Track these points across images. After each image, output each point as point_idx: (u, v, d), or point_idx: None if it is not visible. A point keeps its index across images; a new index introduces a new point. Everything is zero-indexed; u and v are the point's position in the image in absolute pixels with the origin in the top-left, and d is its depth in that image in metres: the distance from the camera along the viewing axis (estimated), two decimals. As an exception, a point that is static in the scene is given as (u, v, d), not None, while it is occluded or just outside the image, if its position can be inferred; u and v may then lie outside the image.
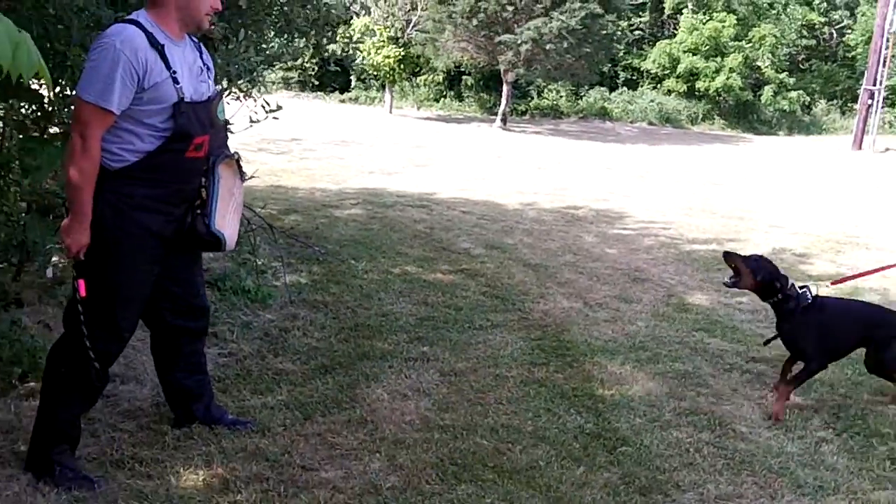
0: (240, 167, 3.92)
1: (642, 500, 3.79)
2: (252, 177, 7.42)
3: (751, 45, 34.03)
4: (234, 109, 6.71)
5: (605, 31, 26.56)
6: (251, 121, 6.71)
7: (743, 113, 34.49)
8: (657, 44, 35.21)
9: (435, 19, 25.40)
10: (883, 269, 5.75)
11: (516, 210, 11.51)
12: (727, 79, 32.71)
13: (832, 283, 5.68)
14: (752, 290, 5.18)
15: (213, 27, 4.25)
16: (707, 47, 33.78)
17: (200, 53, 3.78)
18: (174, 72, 3.49)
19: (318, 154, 16.21)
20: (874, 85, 28.80)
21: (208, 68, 3.80)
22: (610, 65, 34.11)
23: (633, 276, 8.04)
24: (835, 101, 35.90)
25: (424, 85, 32.86)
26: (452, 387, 4.95)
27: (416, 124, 25.53)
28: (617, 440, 4.37)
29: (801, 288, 5.10)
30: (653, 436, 4.46)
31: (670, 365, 5.61)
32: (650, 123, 32.30)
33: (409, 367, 5.18)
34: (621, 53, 34.92)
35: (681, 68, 33.67)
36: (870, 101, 28.71)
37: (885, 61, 28.87)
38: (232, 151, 3.89)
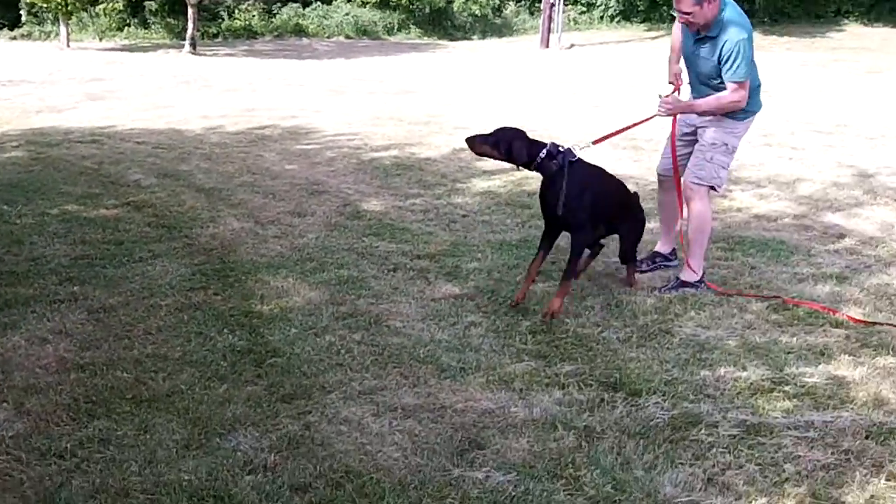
0: None
1: (285, 407, 3.79)
2: None
3: (438, -49, 34.55)
4: None
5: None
6: None
7: (438, 20, 35.04)
8: (347, -45, 34.98)
9: (105, -57, 23.87)
10: (635, 125, 5.79)
11: (197, 135, 11.13)
12: (418, -13, 33.12)
13: (595, 143, 5.40)
14: (505, 160, 4.98)
15: None
16: (396, -44, 34.01)
17: None
18: None
19: (-23, 97, 14.90)
20: (555, -16, 30.12)
21: None
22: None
23: (311, 190, 8.00)
24: (523, 2, 37.20)
25: (105, 14, 30.97)
26: (99, 324, 4.73)
27: (96, 57, 24.01)
28: (267, 353, 4.34)
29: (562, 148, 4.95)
30: (305, 343, 4.47)
31: (335, 272, 5.63)
32: (347, 37, 32.18)
33: (53, 310, 4.88)
34: (311, -33, 34.47)
35: (372, -21, 33.73)
36: (552, 1, 30.02)
37: (563, -40, 30.26)
38: None
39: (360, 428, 3.63)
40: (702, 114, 5.37)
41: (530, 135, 4.97)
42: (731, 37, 5.02)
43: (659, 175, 5.87)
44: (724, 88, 5.20)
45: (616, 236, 5.51)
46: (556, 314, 4.84)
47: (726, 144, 5.39)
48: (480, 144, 4.99)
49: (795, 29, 31.51)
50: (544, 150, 4.89)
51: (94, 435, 3.54)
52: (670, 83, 5.61)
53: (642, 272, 5.64)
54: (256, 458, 3.40)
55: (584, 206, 4.94)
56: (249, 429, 3.61)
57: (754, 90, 5.29)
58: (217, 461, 3.38)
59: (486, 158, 5.33)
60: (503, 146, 4.90)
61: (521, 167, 5.07)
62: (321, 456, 3.40)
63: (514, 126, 5.09)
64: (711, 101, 5.26)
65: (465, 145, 5.04)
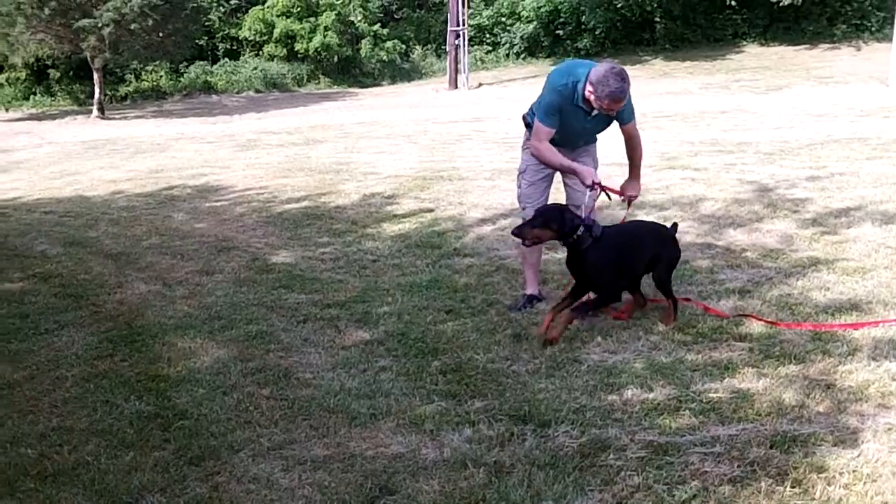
0: None
1: (193, 470, 3.73)
2: None
3: (341, 1, 34.77)
4: None
5: (193, 4, 25.99)
6: None
7: (346, 68, 35.28)
8: (251, 11, 35.04)
9: (2, 13, 23.52)
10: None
11: (105, 201, 11.01)
12: (324, 37, 33.27)
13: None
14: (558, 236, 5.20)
15: None
16: (299, 9, 34.21)
17: None
18: None
19: None
20: (458, 26, 30.56)
21: None
22: (206, 38, 33.56)
23: (220, 247, 7.94)
24: (430, 46, 37.65)
25: (8, 84, 30.53)
26: (3, 401, 4.60)
27: (2, 128, 23.69)
28: (174, 416, 4.27)
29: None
30: (213, 403, 4.41)
31: (244, 328, 5.58)
32: (257, 91, 32.18)
33: (-46, 391, 4.76)
34: (216, 25, 34.44)
35: (277, 33, 33.86)
36: (457, 42, 30.45)
37: (465, 2, 30.72)
38: None
39: (269, 485, 3.59)
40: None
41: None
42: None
43: None
44: (595, 138, 5.73)
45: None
46: (555, 341, 5.00)
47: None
48: (531, 230, 5.18)
49: (696, 53, 32.44)
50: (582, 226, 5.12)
51: (-5, 516, 3.46)
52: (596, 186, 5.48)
53: (518, 310, 5.69)
54: (164, 524, 3.34)
55: (611, 274, 5.17)
56: (157, 495, 3.54)
57: None
58: (124, 532, 3.32)
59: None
60: (555, 223, 5.11)
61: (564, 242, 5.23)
62: (230, 516, 3.36)
63: (552, 203, 5.48)
64: (639, 154, 5.67)
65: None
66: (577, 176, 5.46)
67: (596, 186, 5.37)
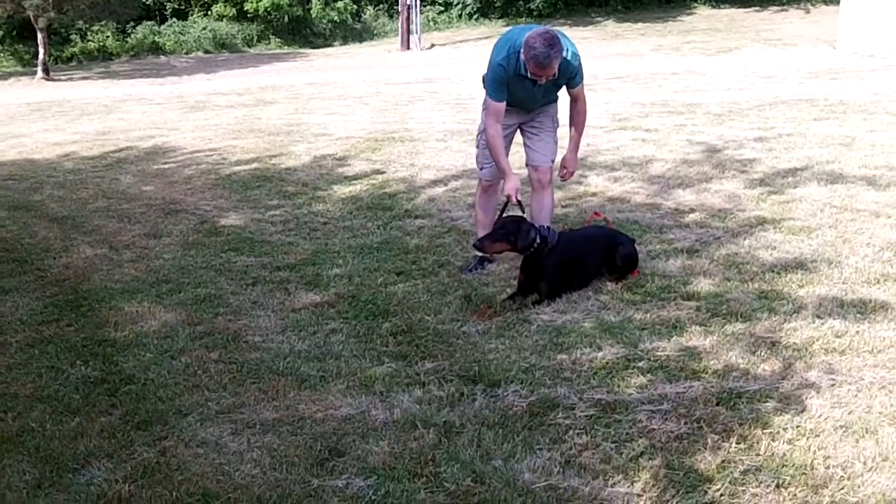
0: None
1: (140, 435, 3.69)
2: None
3: (292, -40, 34.32)
4: None
5: (139, -37, 25.50)
6: None
7: (297, 29, 34.84)
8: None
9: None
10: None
11: (51, 164, 10.80)
12: (274, -3, 32.83)
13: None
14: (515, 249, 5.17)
15: None
16: (249, -33, 33.66)
17: None
18: None
19: None
20: (411, -15, 30.29)
21: None
22: (154, -3, 32.99)
23: (168, 210, 7.84)
24: (381, 6, 37.27)
25: (-53, 44, 29.83)
26: (-56, 368, 4.53)
27: (-56, 90, 23.10)
28: (121, 381, 4.22)
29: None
30: (161, 367, 4.36)
31: (192, 292, 5.52)
32: (206, 52, 31.69)
33: None
34: (163, -17, 33.84)
35: (226, -9, 33.33)
36: (409, 2, 30.17)
37: (417, -39, 30.44)
38: None
39: (217, 448, 3.56)
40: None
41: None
42: (571, 58, 5.17)
43: (486, 181, 5.82)
44: (553, 99, 5.61)
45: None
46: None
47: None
48: (492, 243, 5.15)
49: (648, 15, 32.50)
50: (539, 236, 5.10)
51: (-64, 485, 3.39)
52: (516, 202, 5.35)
53: (469, 271, 5.68)
54: (111, 489, 3.29)
55: (562, 281, 5.16)
56: (103, 461, 3.50)
57: None
58: (70, 497, 3.27)
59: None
60: (514, 236, 5.07)
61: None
62: (177, 481, 3.32)
63: (513, 216, 5.29)
64: (583, 121, 5.61)
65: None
66: (504, 182, 5.37)
67: (514, 200, 5.28)
